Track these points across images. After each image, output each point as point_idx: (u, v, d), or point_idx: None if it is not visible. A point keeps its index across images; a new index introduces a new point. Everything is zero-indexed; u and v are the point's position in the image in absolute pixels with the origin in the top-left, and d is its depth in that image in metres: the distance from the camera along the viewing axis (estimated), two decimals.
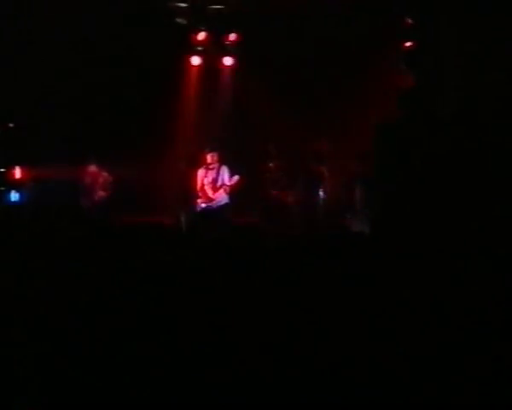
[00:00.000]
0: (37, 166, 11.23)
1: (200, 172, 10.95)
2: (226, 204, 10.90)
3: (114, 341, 3.99)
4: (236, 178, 10.75)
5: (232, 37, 12.23)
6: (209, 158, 10.83)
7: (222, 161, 10.89)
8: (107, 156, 11.41)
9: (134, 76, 11.76)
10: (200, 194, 10.93)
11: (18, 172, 11.48)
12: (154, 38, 11.45)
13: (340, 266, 4.86)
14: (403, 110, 9.40)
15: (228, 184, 10.76)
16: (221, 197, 10.88)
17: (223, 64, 12.55)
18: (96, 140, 11.55)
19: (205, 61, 12.40)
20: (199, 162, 11.07)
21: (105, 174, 11.47)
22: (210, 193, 10.85)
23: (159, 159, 11.80)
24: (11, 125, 11.60)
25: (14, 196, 11.38)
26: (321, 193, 10.83)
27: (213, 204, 10.87)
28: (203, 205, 10.87)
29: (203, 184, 10.89)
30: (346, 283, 4.54)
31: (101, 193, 11.45)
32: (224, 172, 10.84)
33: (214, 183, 10.83)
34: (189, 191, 11.23)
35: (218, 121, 12.44)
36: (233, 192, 10.89)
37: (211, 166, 10.85)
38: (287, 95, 11.68)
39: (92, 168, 11.46)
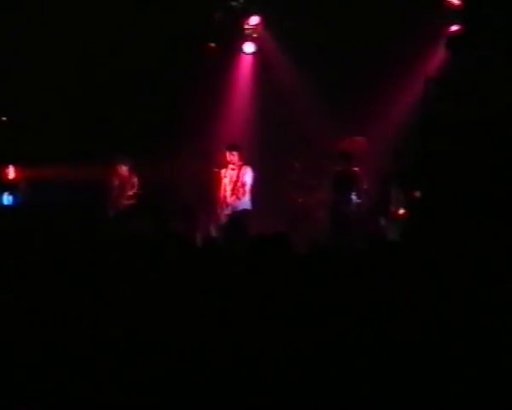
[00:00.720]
0: (34, 165, 11.24)
1: (222, 173, 10.97)
2: (244, 211, 10.81)
3: (122, 360, 4.32)
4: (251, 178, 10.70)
5: (253, 20, 12.24)
6: (228, 156, 10.84)
7: (244, 161, 10.88)
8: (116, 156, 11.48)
9: (146, 65, 11.82)
10: (220, 198, 10.95)
11: (12, 172, 11.53)
12: (169, 26, 11.60)
13: (372, 279, 4.98)
14: (446, 101, 9.50)
15: (242, 187, 10.70)
16: (238, 202, 10.82)
17: (243, 51, 12.61)
18: (106, 137, 11.56)
19: (224, 47, 12.39)
20: (219, 161, 11.11)
21: (135, 179, 11.41)
22: (228, 197, 10.87)
23: (174, 159, 12.04)
24: (4, 118, 11.75)
25: (7, 198, 11.40)
26: (353, 196, 10.86)
27: (229, 210, 10.84)
28: (226, 212, 10.86)
29: (224, 187, 10.92)
30: (381, 298, 4.67)
31: (128, 200, 11.38)
32: (245, 174, 10.82)
33: (234, 185, 10.83)
34: (206, 195, 11.38)
35: (238, 116, 12.52)
36: (253, 196, 10.84)
37: (231, 167, 10.86)
38: (316, 88, 11.70)
39: (123, 170, 11.41)
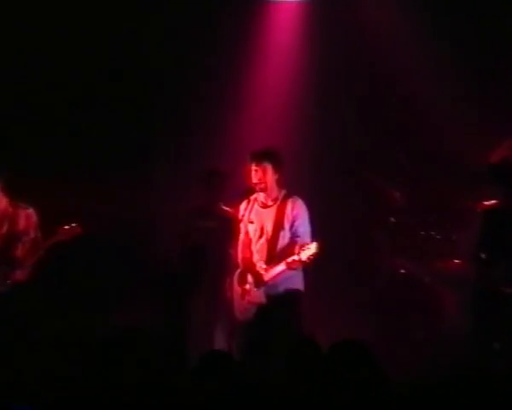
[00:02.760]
0: None
1: (242, 211, 10.81)
2: (292, 293, 10.43)
3: None
4: (313, 248, 10.21)
5: None
6: (255, 176, 10.48)
7: (287, 187, 10.65)
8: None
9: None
10: (240, 261, 10.74)
11: None
12: None
13: None
14: None
15: (297, 254, 10.13)
16: (281, 276, 10.34)
17: None
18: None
19: None
20: (235, 188, 11.45)
21: (28, 212, 11.41)
22: (259, 264, 10.49)
23: (142, 184, 12.88)
24: None
25: None
26: None
27: (261, 293, 10.47)
28: (252, 297, 10.56)
29: (248, 240, 10.74)
30: None
31: (23, 260, 11.30)
32: (297, 219, 10.56)
33: (271, 242, 10.57)
34: (210, 257, 11.61)
35: (272, 104, 13.31)
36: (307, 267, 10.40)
37: (261, 199, 10.61)
38: (429, 54, 12.40)
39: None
